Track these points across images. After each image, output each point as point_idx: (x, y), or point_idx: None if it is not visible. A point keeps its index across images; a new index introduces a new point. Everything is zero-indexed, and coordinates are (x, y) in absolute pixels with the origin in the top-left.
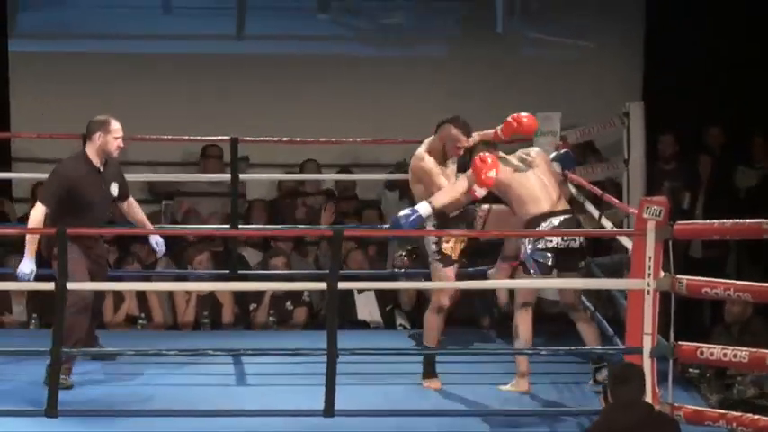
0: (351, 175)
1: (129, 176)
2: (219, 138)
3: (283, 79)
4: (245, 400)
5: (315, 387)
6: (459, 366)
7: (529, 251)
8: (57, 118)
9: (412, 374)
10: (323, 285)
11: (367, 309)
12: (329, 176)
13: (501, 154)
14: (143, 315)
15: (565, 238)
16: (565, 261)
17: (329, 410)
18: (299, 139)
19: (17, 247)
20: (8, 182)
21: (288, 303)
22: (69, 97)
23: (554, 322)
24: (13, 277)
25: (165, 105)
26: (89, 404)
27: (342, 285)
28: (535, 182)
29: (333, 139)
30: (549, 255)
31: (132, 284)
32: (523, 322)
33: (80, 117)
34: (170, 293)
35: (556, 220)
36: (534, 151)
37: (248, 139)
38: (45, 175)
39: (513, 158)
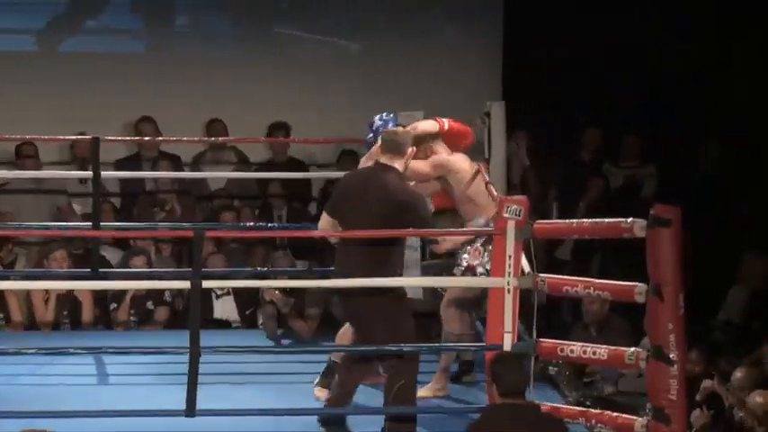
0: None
1: None
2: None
3: None
4: (107, 400)
5: (177, 386)
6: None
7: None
8: None
9: (275, 374)
10: (186, 284)
11: (225, 310)
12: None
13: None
14: (1, 315)
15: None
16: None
17: (191, 410)
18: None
19: None
20: None
21: (149, 303)
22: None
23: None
24: None
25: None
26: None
27: (206, 284)
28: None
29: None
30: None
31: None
32: (453, 320)
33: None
34: (28, 293)
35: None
36: None
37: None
38: None
39: None
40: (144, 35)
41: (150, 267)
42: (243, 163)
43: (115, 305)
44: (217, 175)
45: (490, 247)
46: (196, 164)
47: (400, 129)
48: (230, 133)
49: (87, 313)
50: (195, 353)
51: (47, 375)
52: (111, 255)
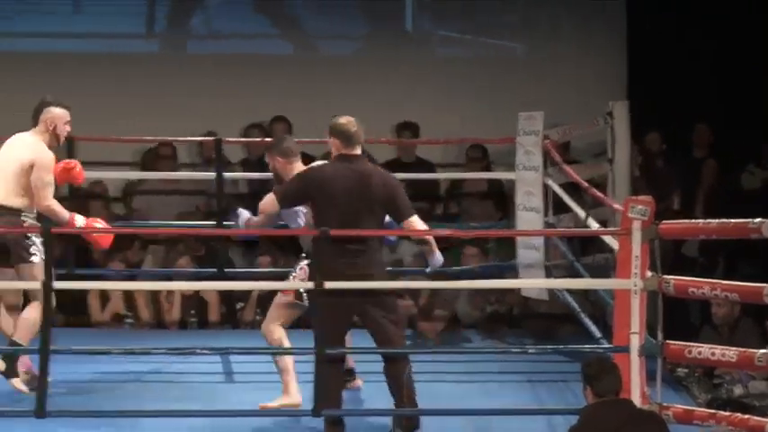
0: None
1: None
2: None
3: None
4: (234, 399)
5: (303, 386)
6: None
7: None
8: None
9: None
10: (311, 285)
11: None
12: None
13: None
14: (130, 314)
15: None
16: None
17: (318, 410)
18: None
19: None
20: None
21: None
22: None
23: (542, 321)
24: None
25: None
26: (78, 404)
27: (327, 285)
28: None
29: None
30: None
31: (119, 284)
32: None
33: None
34: (155, 293)
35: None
36: None
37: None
38: None
39: None
40: (277, 36)
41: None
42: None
43: (242, 304)
44: None
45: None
46: None
47: (351, 118)
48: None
49: (214, 313)
50: (322, 353)
51: (174, 373)
52: (235, 254)
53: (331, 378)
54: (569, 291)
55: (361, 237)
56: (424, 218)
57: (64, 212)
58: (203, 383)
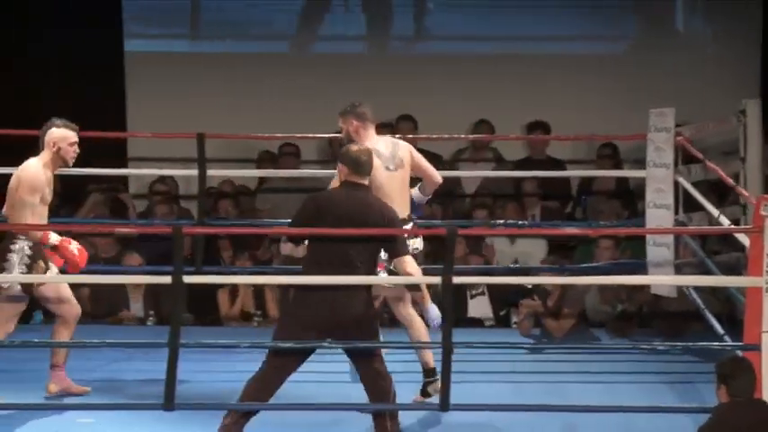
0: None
1: None
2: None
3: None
4: (358, 395)
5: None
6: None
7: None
8: (172, 117)
9: (527, 372)
10: (437, 281)
11: (480, 309)
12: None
13: (375, 146)
14: (259, 312)
15: (413, 245)
16: None
17: (445, 404)
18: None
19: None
20: (124, 179)
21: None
22: (185, 97)
23: (672, 319)
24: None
25: (282, 104)
26: (205, 397)
27: (457, 280)
28: (398, 186)
29: None
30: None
31: (248, 278)
32: (407, 318)
33: (194, 117)
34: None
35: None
36: (403, 147)
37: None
38: (161, 172)
39: (383, 150)
40: (403, 37)
41: None
42: (500, 162)
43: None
44: (466, 174)
45: None
46: (454, 163)
47: (364, 148)
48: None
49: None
50: (448, 348)
51: (303, 372)
52: None
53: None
54: (697, 289)
55: (349, 266)
56: (554, 216)
57: (37, 234)
58: (333, 383)
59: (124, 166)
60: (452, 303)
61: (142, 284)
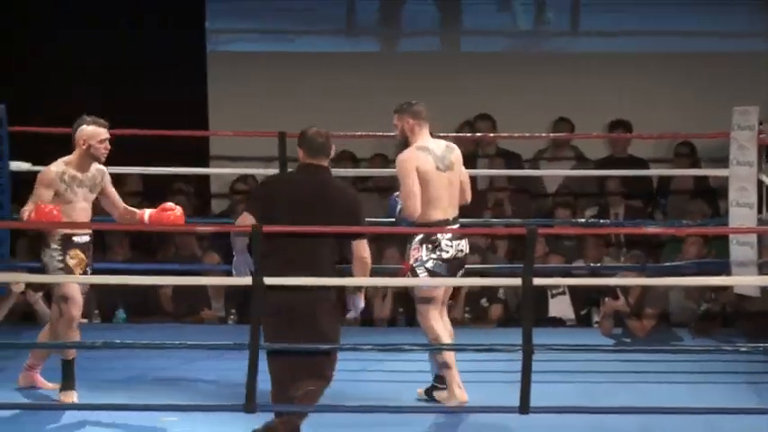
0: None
1: None
2: None
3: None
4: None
5: (510, 384)
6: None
7: (424, 259)
8: (253, 116)
9: (608, 372)
10: (518, 282)
11: (560, 308)
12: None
13: (428, 145)
14: None
15: (457, 248)
16: (451, 269)
17: (525, 407)
18: None
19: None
20: (206, 178)
21: (483, 300)
22: (266, 96)
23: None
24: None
25: (366, 103)
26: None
27: (537, 282)
28: (446, 186)
29: None
30: (443, 264)
31: (332, 280)
32: (426, 320)
33: (275, 116)
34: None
35: (451, 230)
36: (456, 152)
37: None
38: (243, 171)
39: (438, 152)
40: (481, 32)
41: (484, 265)
42: (582, 160)
43: (450, 302)
44: (548, 173)
45: (429, 245)
46: (535, 161)
47: (323, 130)
48: (574, 132)
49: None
50: (528, 351)
51: (382, 371)
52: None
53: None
54: None
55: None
56: (638, 215)
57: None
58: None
59: (206, 165)
60: (533, 304)
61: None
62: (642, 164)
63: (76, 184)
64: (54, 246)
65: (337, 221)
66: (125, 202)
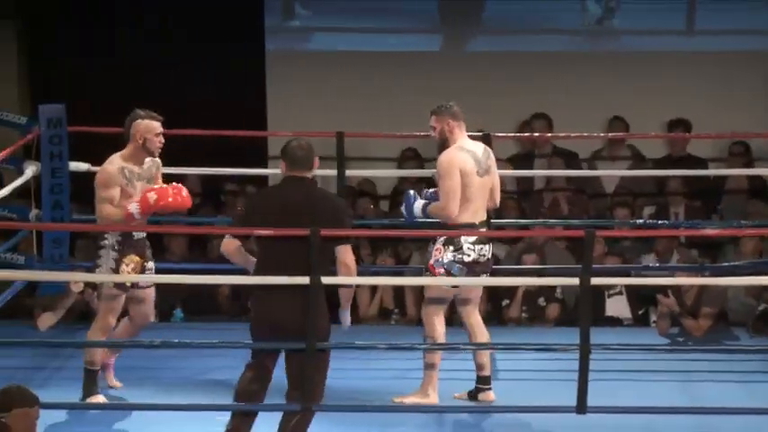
0: None
1: None
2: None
3: None
4: (498, 396)
5: (567, 383)
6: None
7: (446, 260)
8: (312, 116)
9: (665, 372)
10: (575, 281)
11: (617, 308)
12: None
13: (469, 147)
14: (396, 310)
15: (479, 253)
16: (471, 272)
17: (582, 407)
18: None
19: None
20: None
21: (540, 300)
22: (325, 96)
23: None
24: None
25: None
26: (342, 398)
27: (594, 281)
28: (480, 190)
29: None
30: (463, 267)
31: (386, 279)
32: (430, 318)
33: (335, 116)
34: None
35: (480, 231)
36: (492, 157)
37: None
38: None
39: (478, 154)
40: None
41: (542, 264)
42: (639, 160)
43: (507, 301)
44: (605, 173)
45: (451, 247)
46: (592, 161)
47: (304, 142)
48: (629, 130)
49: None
50: (585, 350)
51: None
52: (500, 251)
53: None
54: None
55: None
56: (697, 215)
57: (118, 216)
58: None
59: (264, 165)
60: (590, 304)
61: None
62: (702, 163)
63: (136, 178)
64: (111, 244)
65: (322, 227)
66: None
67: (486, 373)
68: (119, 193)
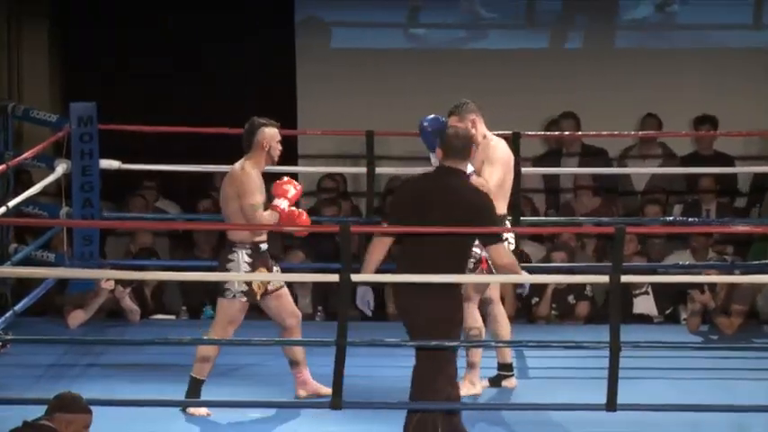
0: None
1: None
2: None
3: None
4: (528, 394)
5: (597, 381)
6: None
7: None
8: (343, 114)
9: (696, 369)
10: (605, 279)
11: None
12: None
13: (499, 145)
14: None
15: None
16: None
17: (612, 404)
18: None
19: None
20: (294, 177)
21: (570, 297)
22: (356, 94)
23: None
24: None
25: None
26: (372, 395)
27: (624, 279)
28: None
29: None
30: None
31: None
32: (473, 313)
33: (364, 114)
34: None
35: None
36: None
37: None
38: (331, 170)
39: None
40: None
41: (572, 262)
42: (670, 157)
43: (537, 299)
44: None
45: None
46: (623, 159)
47: (462, 131)
48: (662, 128)
49: (509, 307)
50: (615, 348)
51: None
52: (532, 250)
53: None
54: None
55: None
56: (728, 212)
57: (273, 217)
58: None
59: (294, 163)
60: (620, 302)
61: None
62: (728, 160)
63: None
64: (245, 253)
65: (461, 225)
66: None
67: (509, 360)
68: (262, 201)
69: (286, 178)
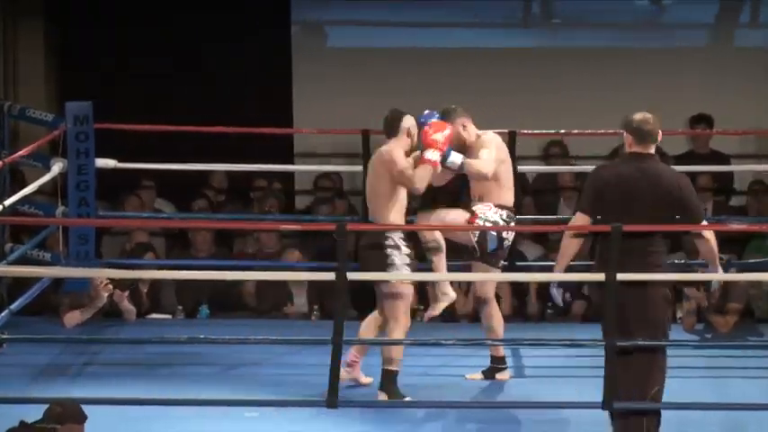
0: None
1: None
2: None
3: None
4: (526, 391)
5: (593, 379)
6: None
7: (492, 218)
8: (338, 113)
9: (692, 368)
10: (601, 277)
11: None
12: None
13: (497, 140)
14: (421, 307)
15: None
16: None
17: (608, 402)
18: None
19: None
20: (291, 175)
21: (566, 296)
22: (351, 94)
23: None
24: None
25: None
26: (368, 395)
27: (620, 277)
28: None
29: None
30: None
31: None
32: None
33: (360, 113)
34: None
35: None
36: None
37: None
38: (327, 168)
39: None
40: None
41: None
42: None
43: (532, 297)
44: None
45: (504, 213)
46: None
47: (649, 115)
48: None
49: (506, 305)
50: (612, 345)
51: (465, 367)
52: (527, 249)
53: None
54: None
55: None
56: (724, 211)
57: (426, 171)
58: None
59: (290, 162)
60: (616, 301)
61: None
62: (724, 159)
63: None
64: (396, 243)
65: (666, 212)
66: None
67: (501, 353)
68: None
69: (434, 122)
